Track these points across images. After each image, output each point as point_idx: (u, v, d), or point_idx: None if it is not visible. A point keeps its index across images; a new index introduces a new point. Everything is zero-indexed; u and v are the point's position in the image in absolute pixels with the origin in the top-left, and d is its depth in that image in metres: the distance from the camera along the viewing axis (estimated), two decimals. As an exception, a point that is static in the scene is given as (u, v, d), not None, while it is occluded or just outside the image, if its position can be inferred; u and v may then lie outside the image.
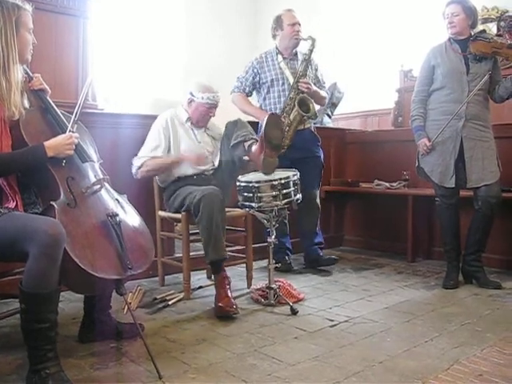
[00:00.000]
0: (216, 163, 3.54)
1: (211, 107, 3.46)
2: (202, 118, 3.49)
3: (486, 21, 5.76)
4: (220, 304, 2.94)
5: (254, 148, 3.14)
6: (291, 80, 3.98)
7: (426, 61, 3.68)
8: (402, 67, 6.57)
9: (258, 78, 4.08)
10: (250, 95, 4.20)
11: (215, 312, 2.97)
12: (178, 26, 7.90)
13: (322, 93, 4.13)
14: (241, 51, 7.73)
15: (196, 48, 7.67)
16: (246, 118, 4.10)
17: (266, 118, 3.06)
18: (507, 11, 5.73)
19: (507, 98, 3.59)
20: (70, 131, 2.29)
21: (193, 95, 3.44)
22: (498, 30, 5.72)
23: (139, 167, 3.36)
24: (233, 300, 2.98)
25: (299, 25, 4.04)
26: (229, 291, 3.03)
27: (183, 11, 7.92)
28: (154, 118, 3.58)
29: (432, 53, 3.66)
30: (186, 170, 3.42)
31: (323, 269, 4.06)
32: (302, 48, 4.09)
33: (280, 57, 4.07)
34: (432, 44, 3.73)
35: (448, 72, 3.55)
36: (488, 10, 5.85)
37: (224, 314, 2.90)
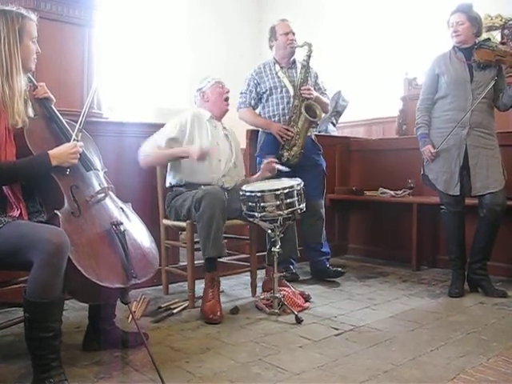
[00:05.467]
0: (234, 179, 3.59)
1: (223, 85, 3.60)
2: (221, 102, 3.58)
3: (489, 29, 5.74)
4: (204, 308, 3.01)
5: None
6: (290, 88, 3.98)
7: (431, 69, 3.68)
8: (406, 75, 6.57)
9: (259, 89, 4.07)
10: (257, 107, 4.18)
11: (200, 314, 3.02)
12: (182, 34, 7.93)
13: (324, 99, 4.12)
14: (245, 59, 7.75)
15: (200, 56, 7.69)
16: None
17: None
18: (511, 19, 5.72)
19: (511, 106, 3.59)
20: (74, 140, 2.30)
21: (201, 88, 3.55)
22: (502, 38, 5.72)
23: (147, 155, 3.37)
24: (218, 304, 3.03)
25: (293, 33, 4.03)
26: (217, 294, 3.07)
27: (186, 19, 7.95)
28: (159, 126, 3.59)
29: (436, 61, 3.66)
30: (200, 177, 3.43)
31: (330, 280, 4.01)
32: (300, 56, 4.07)
33: (278, 66, 4.06)
34: (436, 52, 3.74)
35: (452, 80, 3.55)
36: (492, 18, 5.84)
37: (207, 320, 2.95)
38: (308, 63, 3.95)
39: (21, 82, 2.22)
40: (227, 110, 3.66)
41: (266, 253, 3.74)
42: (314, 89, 4.03)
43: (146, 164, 3.44)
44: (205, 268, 3.15)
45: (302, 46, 3.97)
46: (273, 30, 4.09)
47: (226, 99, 3.62)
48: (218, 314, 2.96)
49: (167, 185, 3.55)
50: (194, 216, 3.16)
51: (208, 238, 3.03)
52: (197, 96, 3.65)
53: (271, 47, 4.15)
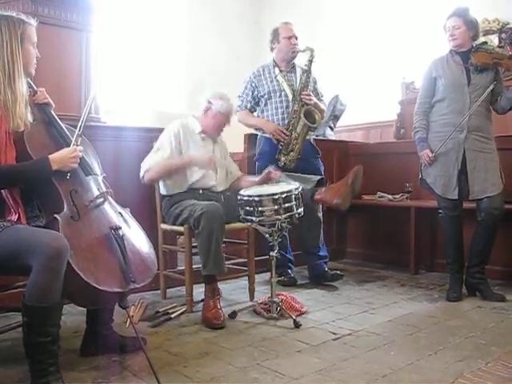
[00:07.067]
0: (226, 184, 3.60)
1: (228, 117, 3.50)
2: (217, 127, 3.51)
3: (487, 33, 5.76)
4: (207, 315, 3.01)
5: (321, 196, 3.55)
6: (289, 92, 3.97)
7: (428, 73, 3.70)
8: (404, 79, 6.57)
9: (256, 92, 4.07)
10: (254, 110, 4.17)
11: (202, 321, 3.03)
12: (180, 37, 7.93)
13: (322, 105, 4.12)
14: (243, 61, 7.77)
15: (198, 59, 7.70)
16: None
17: (355, 171, 3.50)
18: (508, 23, 5.74)
19: (510, 109, 3.59)
20: (74, 145, 2.30)
21: (211, 103, 3.45)
22: (500, 41, 5.73)
23: (147, 170, 3.34)
24: (221, 311, 3.05)
25: (296, 38, 4.03)
26: (218, 303, 3.08)
27: (185, 23, 7.95)
28: (157, 130, 3.60)
29: (433, 65, 3.67)
30: (194, 178, 3.43)
31: (329, 284, 4.00)
32: (300, 61, 4.08)
33: (277, 70, 4.05)
34: (434, 56, 3.75)
35: (449, 83, 3.56)
36: (489, 22, 5.85)
37: (210, 325, 2.95)
38: (310, 68, 3.95)
39: (23, 85, 2.23)
40: (218, 135, 3.62)
41: (264, 257, 3.73)
42: (313, 94, 4.03)
43: (151, 179, 3.38)
44: (205, 281, 3.16)
45: (303, 51, 3.97)
46: (276, 33, 4.07)
47: (221, 129, 3.57)
48: (222, 319, 2.98)
49: (165, 192, 3.51)
50: (192, 226, 3.19)
51: (208, 256, 3.05)
52: (202, 104, 3.51)
53: (272, 49, 4.13)
